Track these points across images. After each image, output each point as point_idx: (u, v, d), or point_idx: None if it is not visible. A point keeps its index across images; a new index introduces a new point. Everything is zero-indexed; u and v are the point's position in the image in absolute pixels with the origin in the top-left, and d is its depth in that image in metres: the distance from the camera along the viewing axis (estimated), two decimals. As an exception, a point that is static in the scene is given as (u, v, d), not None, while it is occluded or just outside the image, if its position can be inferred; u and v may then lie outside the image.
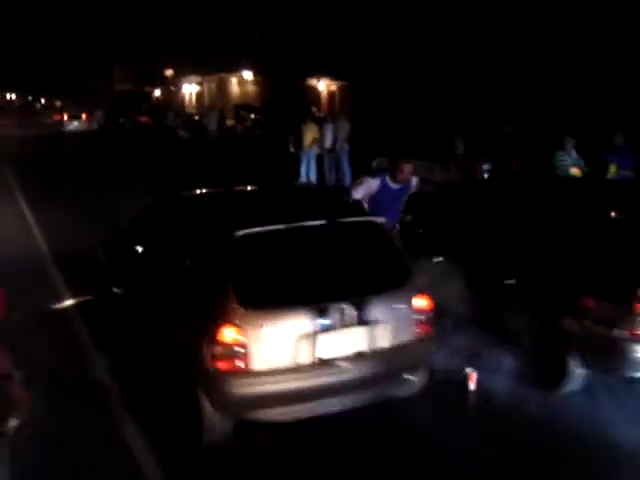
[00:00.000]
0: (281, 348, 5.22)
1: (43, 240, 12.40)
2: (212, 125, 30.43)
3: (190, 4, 51.50)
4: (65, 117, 50.58)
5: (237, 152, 27.67)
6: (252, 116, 30.45)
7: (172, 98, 62.42)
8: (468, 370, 6.50)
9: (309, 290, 5.49)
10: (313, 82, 37.74)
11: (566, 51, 21.10)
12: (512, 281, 6.77)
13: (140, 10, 63.18)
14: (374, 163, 18.89)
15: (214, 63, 49.73)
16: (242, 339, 5.09)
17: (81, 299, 8.39)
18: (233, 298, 5.19)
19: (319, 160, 20.59)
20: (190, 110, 50.22)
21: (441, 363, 6.46)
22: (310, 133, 20.56)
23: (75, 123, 48.90)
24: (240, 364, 5.11)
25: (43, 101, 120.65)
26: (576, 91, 20.53)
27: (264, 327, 5.16)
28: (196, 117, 36.52)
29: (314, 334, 5.26)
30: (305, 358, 5.28)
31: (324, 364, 5.32)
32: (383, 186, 7.76)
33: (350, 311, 5.38)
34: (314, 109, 29.15)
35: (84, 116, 50.74)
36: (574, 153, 12.39)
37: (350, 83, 34.88)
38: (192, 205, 7.10)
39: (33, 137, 43.03)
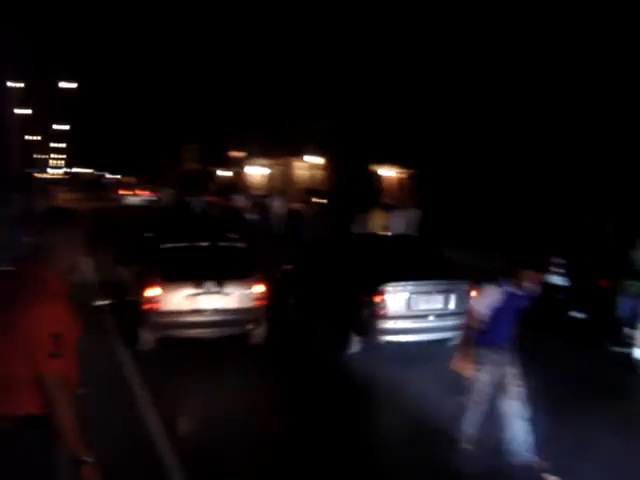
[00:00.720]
0: (178, 300, 10.64)
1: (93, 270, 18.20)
2: (278, 208, 30.73)
3: (259, 87, 52.95)
4: (123, 192, 62.92)
5: (303, 236, 27.76)
6: (319, 200, 30.66)
7: (239, 179, 63.52)
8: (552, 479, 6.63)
9: (195, 274, 10.85)
10: (380, 169, 38.03)
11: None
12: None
13: (210, 93, 65.23)
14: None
15: (281, 146, 50.60)
16: (159, 294, 10.53)
17: (111, 300, 14.07)
18: (158, 275, 10.79)
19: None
20: (256, 192, 50.97)
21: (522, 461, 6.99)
22: (378, 220, 20.52)
23: (130, 198, 60.03)
24: (157, 307, 10.51)
25: (113, 177, 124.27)
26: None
27: (171, 289, 10.63)
28: (263, 199, 36.98)
29: (194, 295, 10.69)
30: (189, 307, 10.66)
31: (198, 311, 10.72)
32: (508, 295, 6.97)
33: (214, 286, 10.79)
34: (380, 195, 29.25)
35: (138, 192, 63.46)
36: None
37: (417, 171, 35.01)
38: (158, 237, 12.46)
39: (97, 208, 49.10)
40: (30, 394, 3.61)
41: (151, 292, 10.54)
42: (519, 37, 25.87)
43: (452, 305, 10.81)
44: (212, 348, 11.01)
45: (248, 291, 11.05)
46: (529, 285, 6.92)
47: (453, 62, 29.95)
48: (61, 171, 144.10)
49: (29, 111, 52.03)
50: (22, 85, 35.05)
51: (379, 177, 38.23)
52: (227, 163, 67.37)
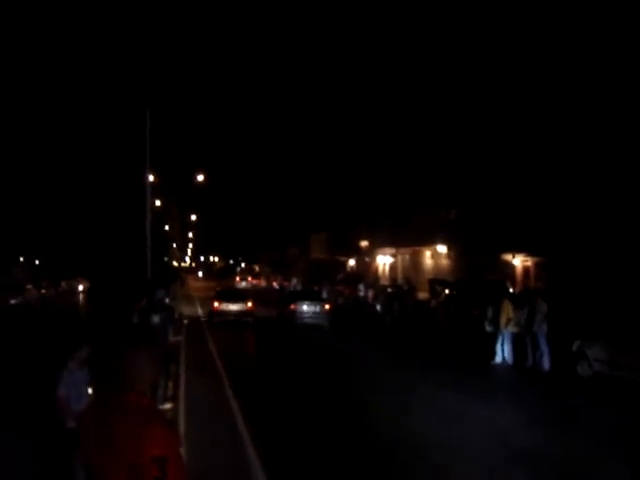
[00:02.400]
0: (223, 307, 32.16)
1: (201, 309, 39.46)
2: (405, 298, 30.60)
3: (386, 177, 53.78)
4: (238, 278, 78.49)
5: (431, 326, 27.56)
6: (446, 291, 30.41)
7: (366, 268, 63.99)
8: None
9: (230, 299, 32.90)
10: (508, 257, 37.56)
11: None
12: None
13: (339, 182, 66.81)
14: (575, 345, 18.15)
15: (408, 236, 50.83)
16: (218, 305, 32.36)
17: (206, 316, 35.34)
18: (217, 299, 33.13)
19: (517, 340, 20.01)
20: (384, 281, 51.18)
21: None
22: (506, 312, 20.19)
23: (244, 283, 74.88)
24: (217, 308, 32.24)
25: (243, 265, 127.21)
26: None
27: (221, 303, 32.43)
28: (389, 289, 37.02)
29: (227, 304, 32.24)
30: (227, 309, 31.99)
31: (230, 310, 32.08)
32: None
33: (236, 301, 32.53)
34: (508, 285, 28.76)
35: (250, 278, 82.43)
36: None
37: (546, 259, 34.42)
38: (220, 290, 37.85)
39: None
40: None
41: (215, 304, 32.12)
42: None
43: (318, 310, 31.01)
44: (233, 323, 30.39)
45: (247, 304, 31.88)
46: None
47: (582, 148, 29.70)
48: (188, 260, 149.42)
49: (160, 202, 54.82)
50: (155, 179, 37.45)
51: (506, 266, 37.70)
52: (355, 252, 68.11)
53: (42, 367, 13.41)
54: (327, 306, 32.00)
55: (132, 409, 3.63)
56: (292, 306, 31.48)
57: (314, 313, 30.99)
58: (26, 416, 12.34)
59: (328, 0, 75.24)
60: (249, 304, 32.32)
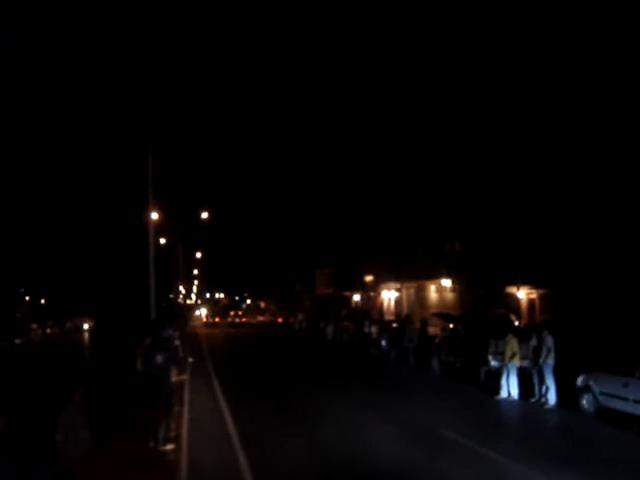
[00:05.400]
0: (208, 320, 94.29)
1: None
2: (411, 333, 30.23)
3: (389, 212, 53.85)
4: (232, 313, 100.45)
5: (436, 364, 27.03)
6: (450, 325, 30.07)
7: (371, 303, 63.77)
8: None
9: (211, 317, 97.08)
10: (513, 290, 37.40)
11: None
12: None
13: (342, 219, 66.89)
14: (579, 380, 17.94)
15: (413, 270, 50.73)
16: (206, 320, 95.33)
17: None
18: (206, 317, 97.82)
19: (524, 374, 19.83)
20: (389, 316, 50.96)
21: None
22: (510, 346, 20.07)
23: (237, 319, 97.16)
24: (205, 321, 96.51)
25: (249, 302, 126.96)
26: None
27: (207, 318, 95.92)
28: (394, 325, 36.59)
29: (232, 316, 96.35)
30: (209, 320, 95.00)
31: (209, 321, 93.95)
32: None
33: (236, 316, 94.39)
34: (513, 318, 28.55)
35: (239, 312, 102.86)
36: None
37: (551, 291, 34.26)
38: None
39: (227, 326, 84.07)
40: None
41: (204, 319, 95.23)
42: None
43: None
44: (212, 325, 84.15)
45: (215, 320, 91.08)
46: None
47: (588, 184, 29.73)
48: (194, 297, 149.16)
49: (164, 240, 54.89)
50: (160, 216, 37.47)
51: (511, 298, 37.53)
52: (359, 287, 67.97)
53: (40, 409, 13.30)
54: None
55: (136, 457, 3.55)
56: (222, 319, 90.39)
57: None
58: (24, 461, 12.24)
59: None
60: (217, 319, 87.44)
